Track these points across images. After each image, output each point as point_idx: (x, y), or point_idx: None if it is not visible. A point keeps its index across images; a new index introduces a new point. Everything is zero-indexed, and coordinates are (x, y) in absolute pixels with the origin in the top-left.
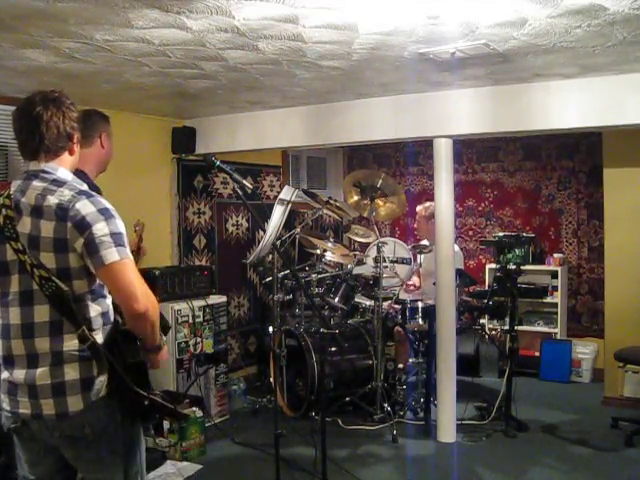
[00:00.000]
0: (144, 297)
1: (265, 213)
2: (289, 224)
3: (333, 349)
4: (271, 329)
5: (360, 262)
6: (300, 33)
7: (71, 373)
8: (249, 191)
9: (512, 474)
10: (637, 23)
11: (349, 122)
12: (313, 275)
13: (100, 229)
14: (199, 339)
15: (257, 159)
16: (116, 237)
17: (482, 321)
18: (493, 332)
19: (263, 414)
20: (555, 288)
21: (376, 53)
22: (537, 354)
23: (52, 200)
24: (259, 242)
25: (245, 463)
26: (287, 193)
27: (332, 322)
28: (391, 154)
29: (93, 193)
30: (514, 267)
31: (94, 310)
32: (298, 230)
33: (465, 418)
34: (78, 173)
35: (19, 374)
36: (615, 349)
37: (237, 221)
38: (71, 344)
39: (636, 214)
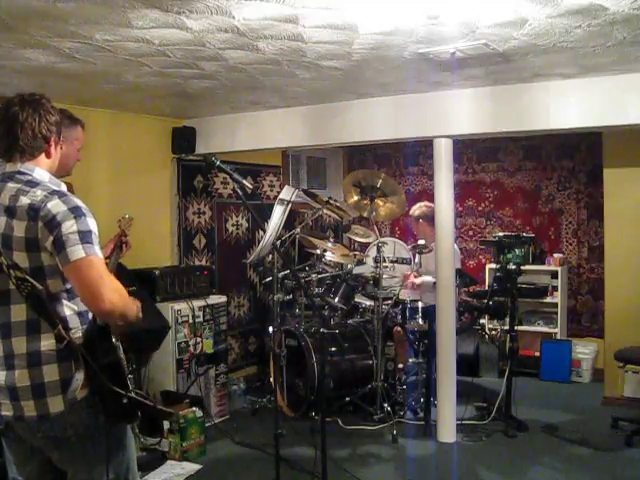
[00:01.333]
0: (110, 293)
1: (265, 213)
2: (289, 224)
3: (333, 349)
4: (271, 329)
5: (360, 262)
6: (300, 33)
7: (50, 374)
8: (249, 191)
9: (512, 474)
10: (637, 23)
11: (349, 122)
12: (313, 275)
13: (68, 227)
14: (199, 339)
15: (257, 159)
16: (83, 235)
17: (482, 321)
18: (493, 332)
19: (263, 414)
20: (555, 288)
21: (376, 53)
22: (537, 354)
23: (24, 200)
24: (259, 242)
25: (245, 463)
26: (287, 193)
27: (332, 322)
28: (391, 154)
29: (66, 193)
30: (514, 267)
31: (69, 309)
32: (298, 230)
33: (465, 418)
34: None
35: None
36: (615, 349)
37: (237, 221)
38: (48, 344)
39: (636, 214)
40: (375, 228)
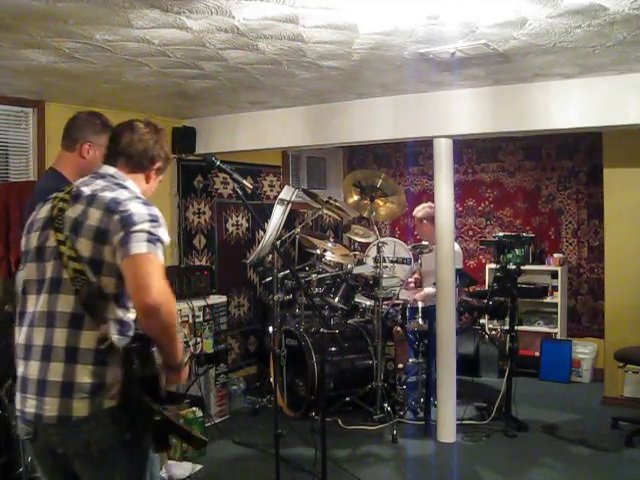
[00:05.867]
0: (160, 293)
1: (265, 213)
2: (289, 224)
3: (333, 349)
4: (271, 329)
5: (360, 262)
6: (300, 33)
7: (83, 375)
8: (249, 191)
9: (512, 474)
10: (637, 23)
11: (349, 122)
12: (313, 275)
13: (141, 227)
14: (199, 339)
15: (257, 159)
16: (152, 237)
17: (482, 321)
18: (493, 332)
19: (263, 414)
20: (555, 288)
21: (376, 53)
22: (537, 354)
23: (109, 195)
24: (259, 242)
25: (245, 463)
26: (287, 193)
27: (332, 322)
28: (391, 154)
29: (149, 202)
30: (514, 267)
31: (113, 314)
32: (298, 230)
33: (465, 418)
34: (53, 174)
35: (34, 367)
36: (615, 349)
37: (237, 221)
38: (88, 342)
39: (636, 214)
40: (375, 228)
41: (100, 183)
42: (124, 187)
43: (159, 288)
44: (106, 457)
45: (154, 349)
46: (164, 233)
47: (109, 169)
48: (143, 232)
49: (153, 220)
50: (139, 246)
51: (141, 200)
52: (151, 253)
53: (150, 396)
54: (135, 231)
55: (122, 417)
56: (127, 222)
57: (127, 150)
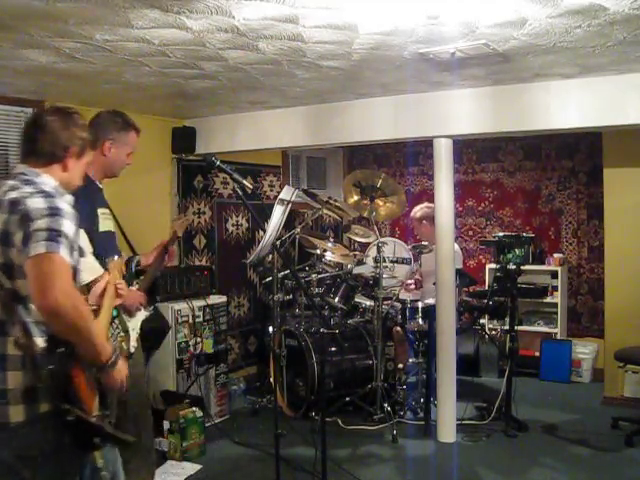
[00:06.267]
0: (62, 294)
1: (265, 213)
2: (289, 224)
3: (333, 349)
4: (271, 329)
5: (360, 262)
6: (300, 33)
7: (14, 380)
8: (249, 191)
9: (512, 474)
10: (637, 23)
11: (349, 122)
12: (313, 275)
13: (39, 224)
14: (199, 339)
15: (257, 159)
16: (52, 233)
17: (482, 321)
18: (493, 332)
19: (263, 414)
20: (555, 288)
21: (376, 53)
22: (537, 354)
23: (12, 195)
24: (259, 242)
25: (245, 463)
26: (287, 193)
27: (332, 322)
28: (391, 154)
29: (54, 194)
30: (514, 267)
31: (34, 317)
32: (298, 230)
33: (465, 418)
34: None
35: None
36: (615, 349)
37: (237, 221)
38: (14, 348)
39: (636, 214)
40: (375, 228)
41: (8, 184)
42: (32, 183)
43: (61, 288)
44: (49, 460)
45: (62, 349)
46: (68, 225)
47: (19, 167)
48: (41, 230)
49: (53, 214)
50: (38, 246)
51: (43, 194)
52: (51, 252)
53: (64, 396)
54: (34, 230)
55: (59, 420)
56: (24, 220)
57: (35, 145)
